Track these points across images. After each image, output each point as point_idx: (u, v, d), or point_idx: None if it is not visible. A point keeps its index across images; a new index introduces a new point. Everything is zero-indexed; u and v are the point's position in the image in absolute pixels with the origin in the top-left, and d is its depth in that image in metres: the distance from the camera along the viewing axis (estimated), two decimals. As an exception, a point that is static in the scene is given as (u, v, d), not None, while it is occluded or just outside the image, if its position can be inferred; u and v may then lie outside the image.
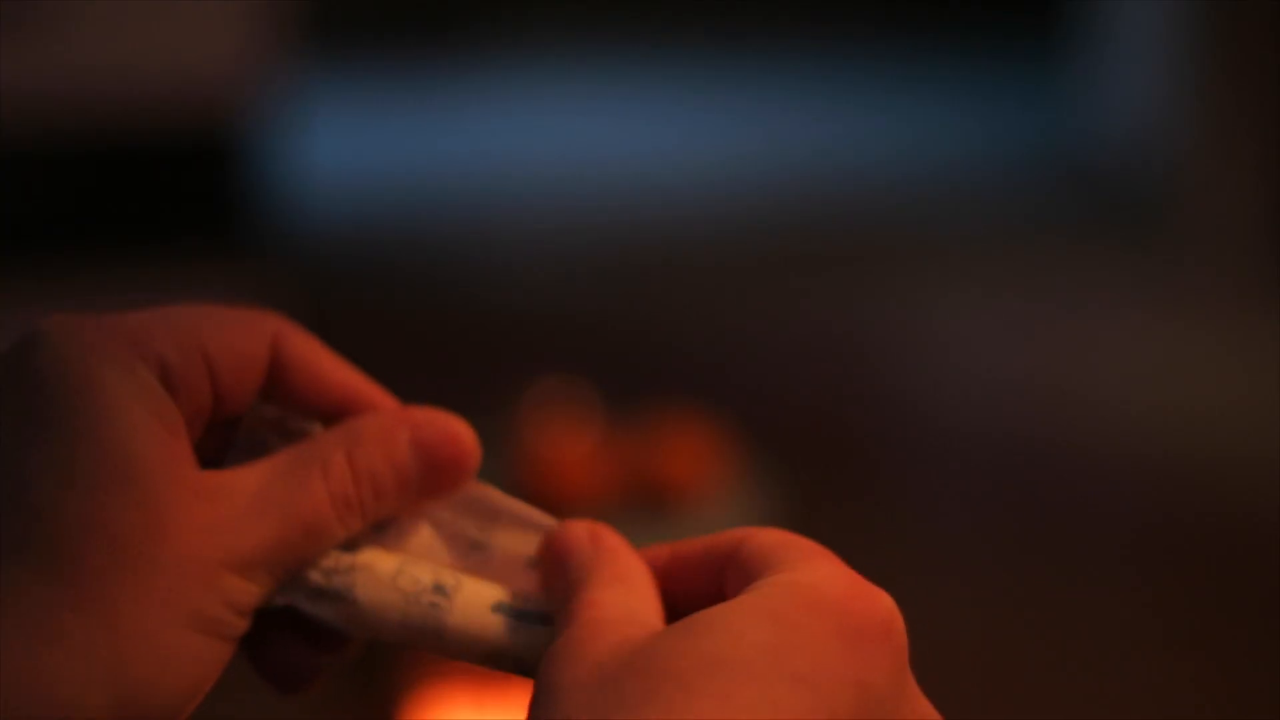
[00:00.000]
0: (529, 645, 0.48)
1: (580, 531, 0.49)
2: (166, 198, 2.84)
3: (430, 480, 0.50)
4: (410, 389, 0.58)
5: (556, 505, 1.63)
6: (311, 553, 0.48)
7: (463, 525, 0.51)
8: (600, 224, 3.38)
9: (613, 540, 0.49)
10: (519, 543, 0.50)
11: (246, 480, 0.47)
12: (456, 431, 0.50)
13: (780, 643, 0.42)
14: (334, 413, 0.50)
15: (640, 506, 1.73)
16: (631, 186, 3.61)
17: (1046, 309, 2.96)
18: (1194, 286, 3.03)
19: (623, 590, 0.47)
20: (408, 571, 0.49)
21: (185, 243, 2.76)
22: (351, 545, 0.49)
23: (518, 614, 0.49)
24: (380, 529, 0.50)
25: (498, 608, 0.49)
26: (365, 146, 3.84)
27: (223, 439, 0.50)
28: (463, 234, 3.32)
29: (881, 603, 0.44)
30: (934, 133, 3.97)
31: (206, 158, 2.88)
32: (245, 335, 0.49)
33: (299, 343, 0.51)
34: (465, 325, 2.82)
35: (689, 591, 0.48)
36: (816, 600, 0.43)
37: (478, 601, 0.49)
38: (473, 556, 0.50)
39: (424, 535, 0.51)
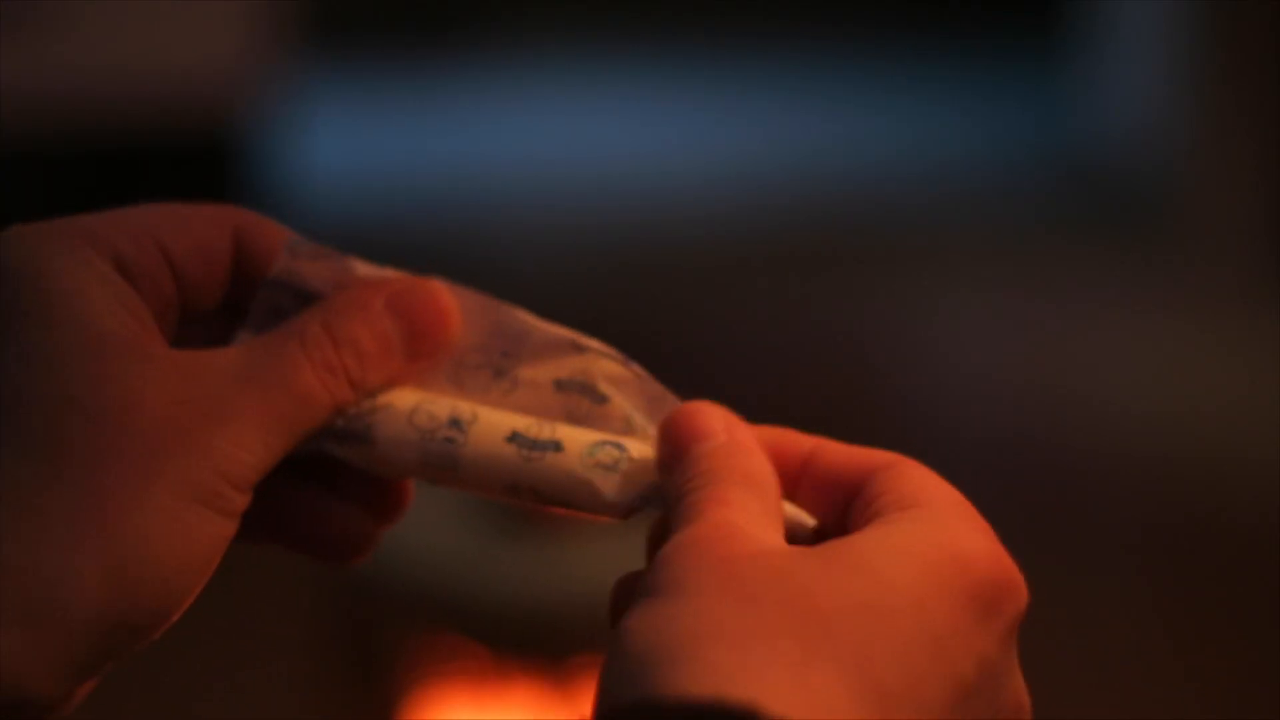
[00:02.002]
0: (545, 476, 0.48)
1: (715, 419, 0.47)
2: (167, 198, 2.83)
3: (414, 343, 0.50)
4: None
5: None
6: (305, 421, 0.47)
7: (488, 355, 0.50)
8: (600, 224, 3.38)
9: (745, 434, 0.47)
10: (545, 368, 0.50)
11: (223, 357, 0.47)
12: (432, 293, 0.51)
13: (925, 597, 0.41)
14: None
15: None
16: (631, 186, 3.61)
17: (1046, 309, 2.96)
18: (1194, 286, 3.03)
19: (755, 494, 0.45)
20: (424, 409, 0.49)
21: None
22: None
23: (533, 444, 0.48)
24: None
25: (512, 438, 0.48)
26: (365, 146, 3.84)
27: (226, 328, 0.50)
28: (463, 234, 3.32)
29: (1015, 576, 0.43)
30: (934, 133, 3.97)
31: (206, 158, 2.88)
32: (204, 228, 0.49)
33: (263, 232, 0.50)
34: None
35: (817, 497, 0.47)
36: (962, 560, 0.42)
37: (492, 434, 0.48)
38: (496, 387, 0.50)
39: (448, 370, 0.50)
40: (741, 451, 0.47)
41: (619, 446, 0.48)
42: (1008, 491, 2.32)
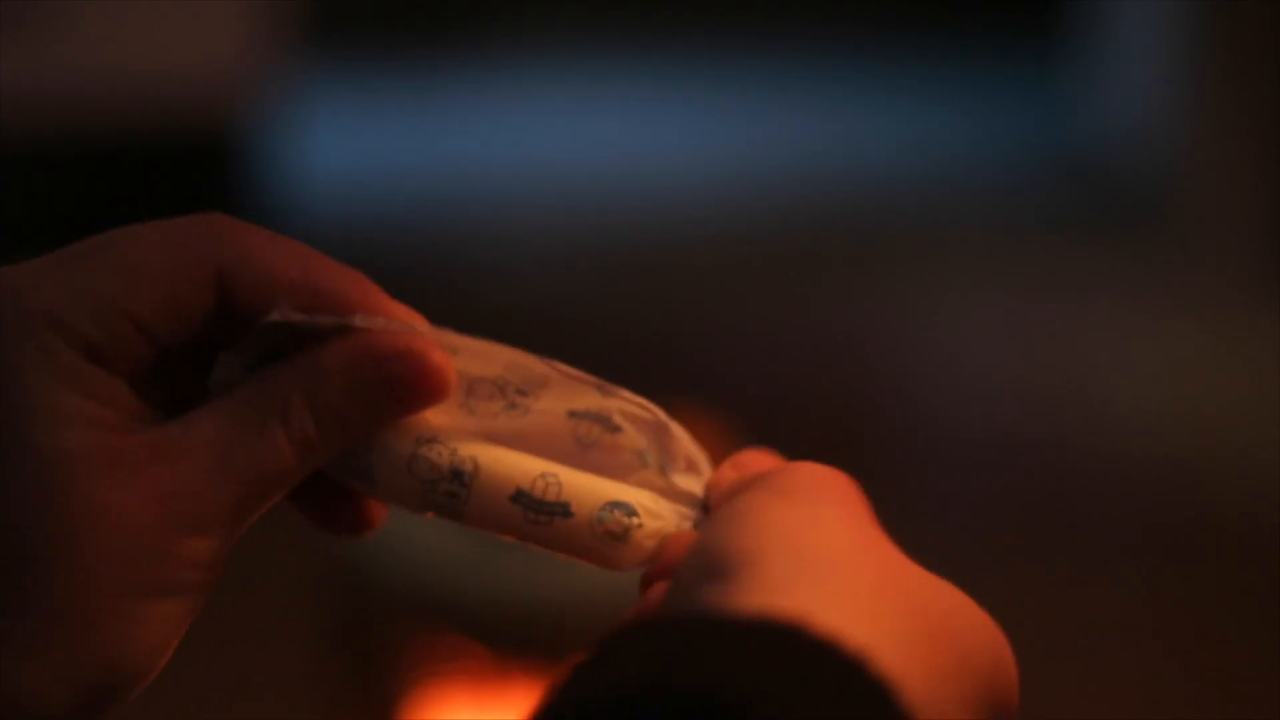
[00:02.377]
0: (552, 540, 0.47)
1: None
2: (166, 198, 2.84)
3: (402, 406, 0.48)
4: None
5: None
6: (281, 490, 0.47)
7: (502, 388, 0.49)
8: (600, 224, 3.38)
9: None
10: (561, 400, 0.49)
11: (200, 434, 0.46)
12: (424, 357, 0.48)
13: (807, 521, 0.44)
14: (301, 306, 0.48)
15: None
16: (632, 186, 3.61)
17: (1046, 309, 2.96)
18: (1194, 286, 3.03)
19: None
20: (423, 457, 0.48)
21: (185, 243, 2.76)
22: None
23: (539, 506, 0.47)
24: None
25: (516, 498, 0.47)
26: (365, 147, 3.84)
27: (214, 344, 0.48)
28: (463, 234, 3.32)
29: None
30: (934, 133, 3.97)
31: (206, 158, 2.88)
32: (178, 283, 0.47)
33: (243, 249, 0.49)
34: (465, 325, 2.82)
35: None
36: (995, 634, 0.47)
37: (495, 493, 0.47)
38: (506, 414, 0.49)
39: (457, 397, 0.49)
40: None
41: (629, 510, 0.47)
42: (1008, 491, 2.32)
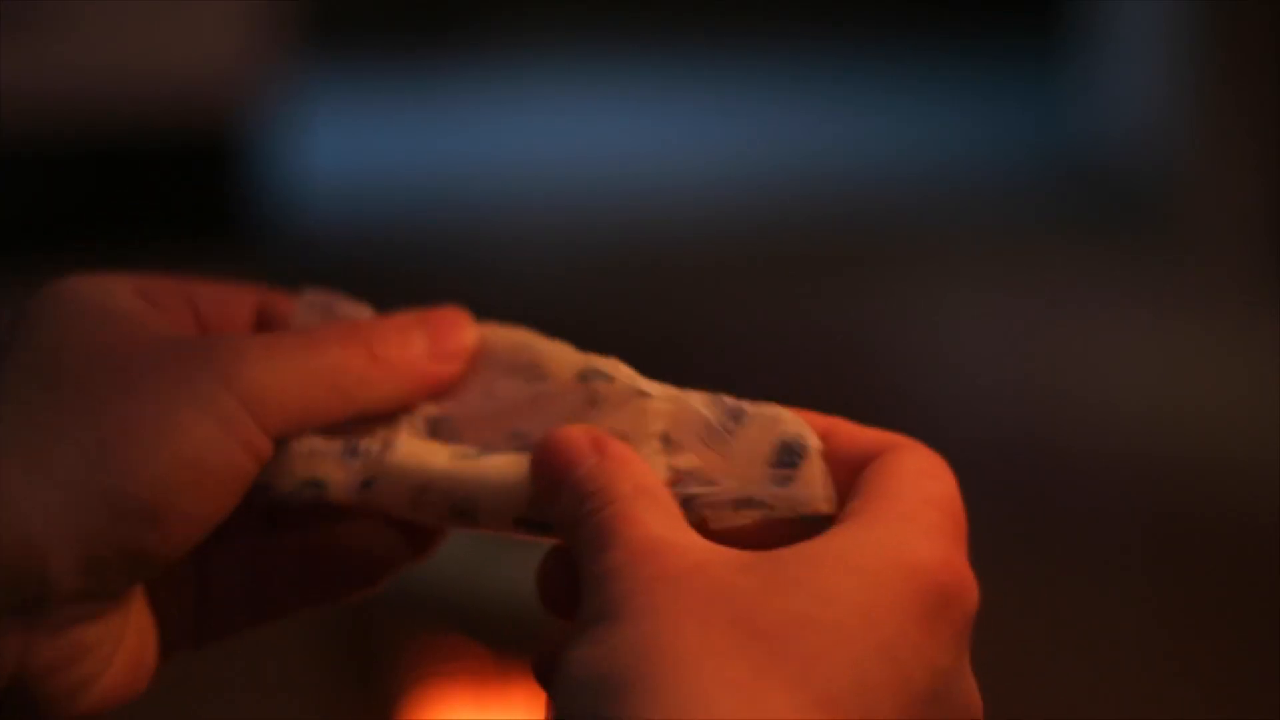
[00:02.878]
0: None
1: (581, 441, 0.46)
2: (166, 197, 2.84)
3: (445, 361, 0.50)
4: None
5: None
6: (342, 388, 0.47)
7: (505, 387, 0.50)
8: (600, 224, 3.38)
9: (617, 447, 0.46)
10: (563, 401, 0.49)
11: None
12: (459, 317, 0.51)
13: (871, 608, 0.41)
14: None
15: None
16: (632, 186, 3.61)
17: (1046, 309, 2.96)
18: (1194, 286, 3.03)
19: (655, 502, 0.44)
20: (424, 501, 0.48)
21: (185, 242, 2.77)
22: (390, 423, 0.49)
23: (541, 527, 0.47)
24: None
25: (520, 522, 0.47)
26: (365, 146, 3.84)
27: None
28: (463, 234, 3.32)
29: (965, 579, 0.43)
30: (934, 133, 3.97)
31: (206, 158, 2.89)
32: (228, 295, 0.50)
33: (284, 310, 0.51)
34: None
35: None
36: (909, 567, 0.42)
37: (499, 520, 0.47)
38: (525, 390, 0.50)
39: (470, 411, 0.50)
40: (622, 464, 0.45)
41: None
42: (1008, 491, 2.32)
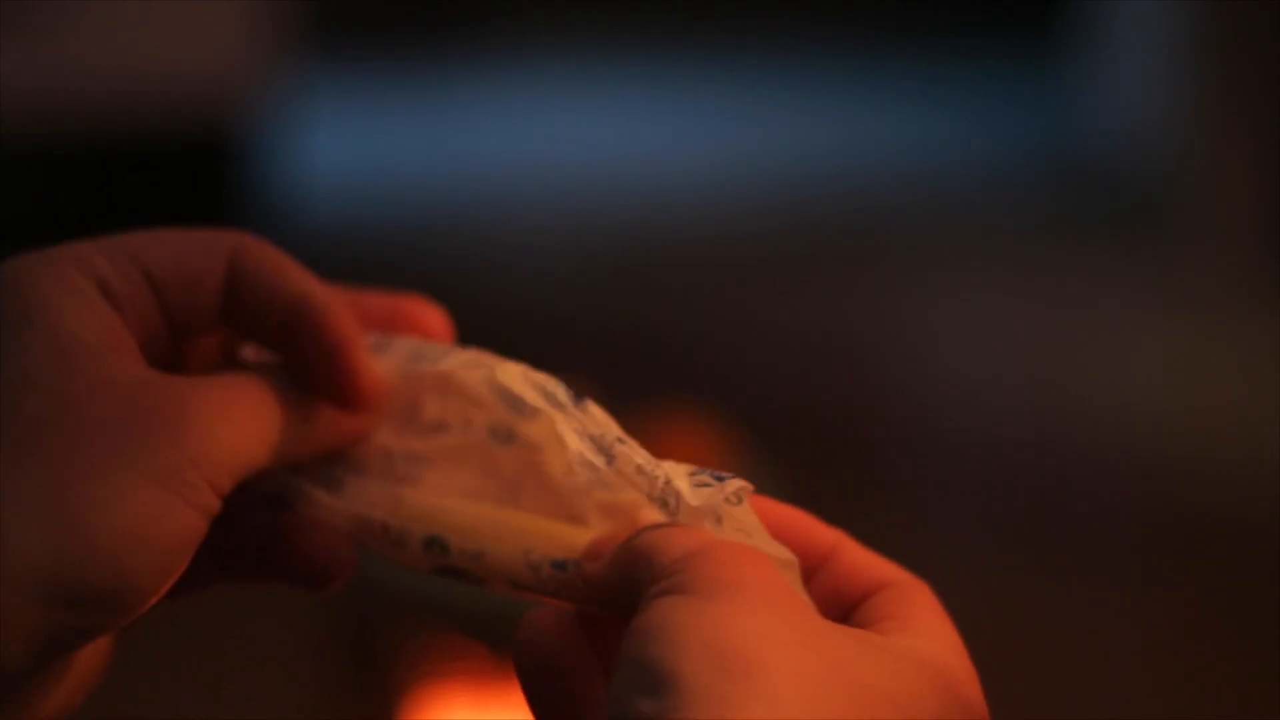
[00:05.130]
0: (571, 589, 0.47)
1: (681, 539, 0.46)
2: (166, 197, 2.84)
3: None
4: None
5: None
6: (293, 436, 0.48)
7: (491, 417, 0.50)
8: (601, 224, 3.38)
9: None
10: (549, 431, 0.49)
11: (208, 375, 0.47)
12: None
13: (917, 694, 0.43)
14: (289, 321, 0.50)
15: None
16: (632, 186, 3.61)
17: (1047, 309, 2.96)
18: (1194, 286, 3.03)
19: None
20: (450, 555, 0.48)
21: (185, 243, 2.76)
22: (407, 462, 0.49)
23: (558, 564, 0.47)
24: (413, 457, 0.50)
25: (532, 565, 0.47)
26: (365, 146, 3.84)
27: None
28: (463, 234, 3.32)
29: (976, 683, 0.45)
30: (934, 133, 3.97)
31: (206, 158, 2.88)
32: (194, 254, 0.49)
33: (256, 256, 0.50)
34: (465, 325, 2.82)
35: (826, 594, 0.47)
36: (947, 683, 0.44)
37: (511, 562, 0.48)
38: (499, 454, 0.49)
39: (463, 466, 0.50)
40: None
41: (558, 565, 0.47)
42: (1008, 491, 2.32)
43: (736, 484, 0.46)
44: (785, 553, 0.46)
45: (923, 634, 0.44)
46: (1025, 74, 4.41)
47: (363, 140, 3.88)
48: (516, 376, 0.50)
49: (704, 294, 3.03)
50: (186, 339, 0.50)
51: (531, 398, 0.49)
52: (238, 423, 0.46)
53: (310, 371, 0.49)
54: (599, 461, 0.47)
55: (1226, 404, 2.58)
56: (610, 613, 0.46)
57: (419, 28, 4.62)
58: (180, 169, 2.86)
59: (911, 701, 0.42)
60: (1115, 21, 3.60)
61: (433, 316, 0.52)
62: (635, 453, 0.47)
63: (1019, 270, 3.14)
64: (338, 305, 0.51)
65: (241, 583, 0.52)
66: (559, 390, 0.49)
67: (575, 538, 0.47)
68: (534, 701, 0.47)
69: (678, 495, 0.46)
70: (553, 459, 0.48)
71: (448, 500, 0.49)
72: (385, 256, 3.22)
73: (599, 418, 0.48)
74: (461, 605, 1.47)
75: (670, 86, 4.38)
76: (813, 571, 0.47)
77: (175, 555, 0.45)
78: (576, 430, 0.48)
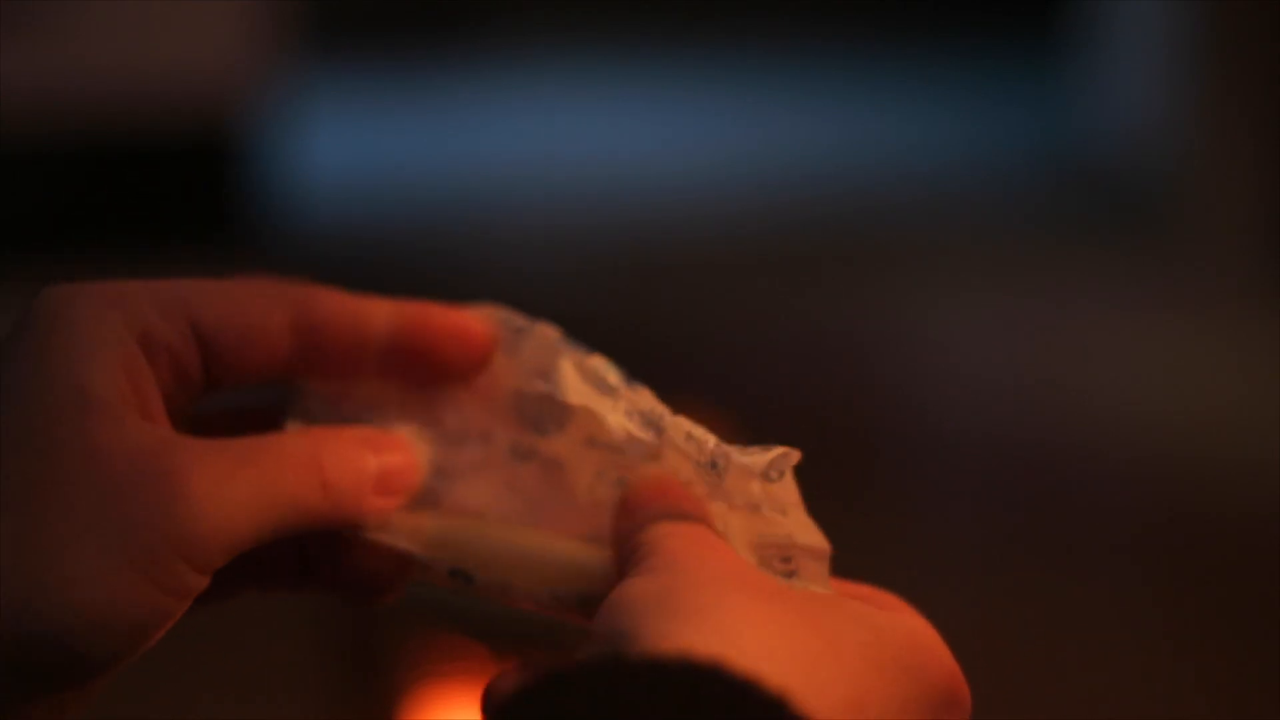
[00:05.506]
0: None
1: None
2: (166, 197, 2.84)
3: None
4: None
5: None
6: (298, 514, 0.46)
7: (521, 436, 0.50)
8: (601, 224, 3.38)
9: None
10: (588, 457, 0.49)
11: (219, 440, 0.46)
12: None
13: (913, 673, 0.44)
14: (400, 338, 0.50)
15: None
16: (632, 186, 3.61)
17: (1047, 309, 2.96)
18: (1194, 286, 3.03)
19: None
20: (475, 585, 0.49)
21: (185, 243, 2.76)
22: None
23: (582, 600, 0.48)
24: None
25: (557, 596, 0.48)
26: (365, 146, 3.84)
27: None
28: (463, 234, 3.32)
29: (954, 664, 0.46)
30: (934, 133, 3.97)
31: (206, 158, 2.88)
32: (253, 306, 0.48)
33: (330, 300, 0.50)
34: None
35: None
36: (927, 651, 0.45)
37: (536, 593, 0.48)
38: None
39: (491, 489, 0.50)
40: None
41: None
42: (1008, 491, 2.32)
43: (781, 452, 0.47)
44: (818, 539, 0.47)
45: (903, 610, 0.46)
46: (1025, 74, 4.41)
47: (363, 140, 3.88)
48: (568, 370, 0.51)
49: (704, 294, 3.03)
50: (233, 382, 0.49)
51: (575, 394, 0.49)
52: (236, 500, 0.45)
53: (443, 366, 0.50)
54: (647, 435, 0.48)
55: (1226, 404, 2.58)
56: None
57: (419, 28, 4.62)
58: (180, 169, 2.86)
59: (886, 656, 0.42)
60: (1115, 21, 3.60)
61: (478, 329, 0.52)
62: (686, 424, 0.48)
63: (1019, 270, 3.14)
64: (424, 306, 0.51)
65: (279, 594, 0.51)
66: (610, 374, 0.50)
67: (597, 561, 0.47)
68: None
69: (727, 455, 0.47)
70: (575, 476, 0.49)
71: (468, 526, 0.49)
72: (385, 256, 3.22)
73: (649, 398, 0.49)
74: (461, 605, 1.47)
75: (670, 86, 4.38)
76: None
77: (135, 637, 0.44)
78: (626, 410, 0.49)
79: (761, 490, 0.47)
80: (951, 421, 2.53)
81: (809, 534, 0.47)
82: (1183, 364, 2.73)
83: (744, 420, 2.01)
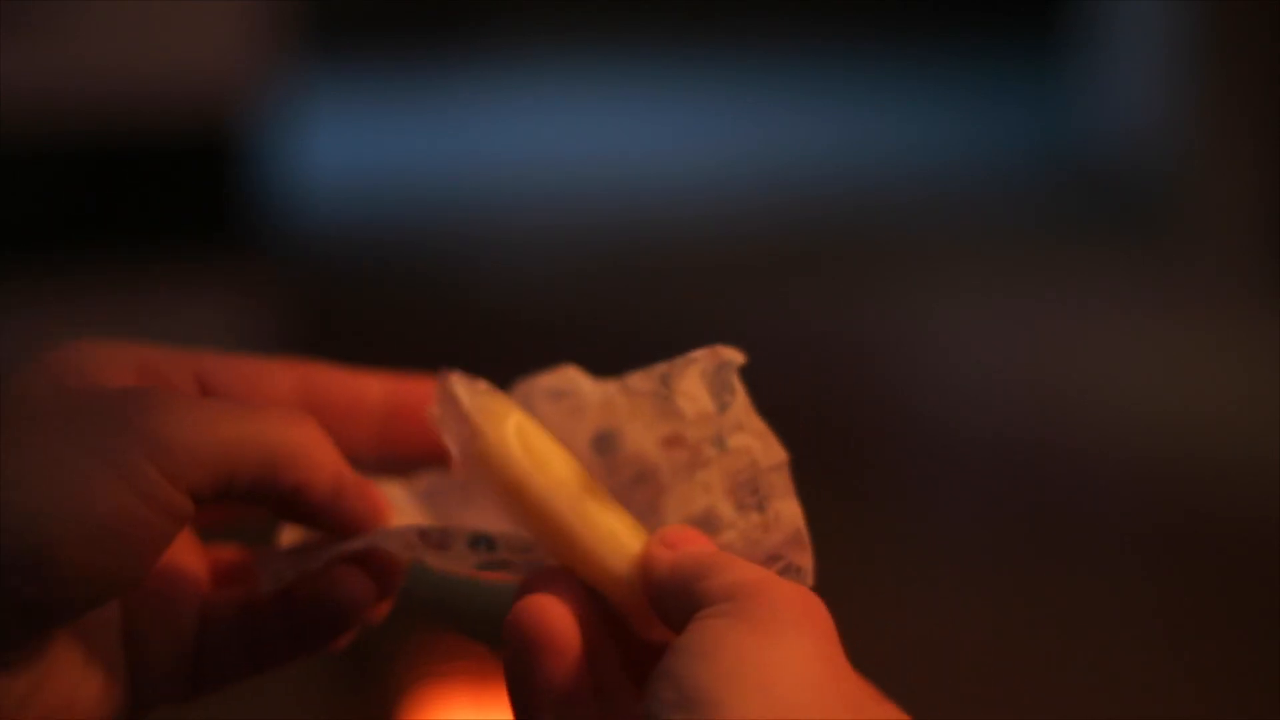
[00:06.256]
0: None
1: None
2: (166, 198, 2.83)
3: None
4: (410, 389, 0.57)
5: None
6: (284, 455, 0.47)
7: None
8: (601, 224, 3.38)
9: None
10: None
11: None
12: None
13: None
14: (386, 428, 0.52)
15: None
16: (632, 186, 3.61)
17: (1047, 309, 2.96)
18: (1195, 286, 3.03)
19: None
20: (497, 550, 0.50)
21: (185, 242, 2.76)
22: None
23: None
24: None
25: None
26: (365, 146, 3.84)
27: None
28: (463, 233, 3.32)
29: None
30: (934, 133, 3.97)
31: (206, 158, 2.88)
32: (254, 372, 0.51)
33: (327, 375, 0.52)
34: (465, 325, 2.82)
35: None
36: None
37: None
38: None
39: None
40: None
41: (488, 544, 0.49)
42: (1008, 491, 2.32)
43: (721, 362, 0.50)
44: (776, 450, 0.50)
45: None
46: (1025, 74, 4.41)
47: (363, 140, 3.88)
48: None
49: (704, 294, 3.03)
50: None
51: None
52: (218, 429, 0.45)
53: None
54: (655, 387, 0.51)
55: (1226, 404, 2.58)
56: (655, 625, 0.48)
57: (419, 28, 4.62)
58: (180, 169, 2.86)
59: None
60: (1115, 21, 3.60)
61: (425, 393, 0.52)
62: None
63: (1019, 270, 3.14)
64: (417, 380, 0.53)
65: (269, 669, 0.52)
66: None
67: (628, 536, 0.48)
68: (517, 685, 0.47)
69: (667, 376, 0.51)
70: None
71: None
72: (385, 256, 3.22)
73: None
74: (461, 605, 1.47)
75: (670, 86, 4.38)
76: None
77: (131, 558, 0.44)
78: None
79: (720, 412, 0.49)
80: (951, 421, 2.53)
81: (767, 447, 0.49)
82: (1183, 364, 2.73)
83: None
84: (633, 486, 0.51)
